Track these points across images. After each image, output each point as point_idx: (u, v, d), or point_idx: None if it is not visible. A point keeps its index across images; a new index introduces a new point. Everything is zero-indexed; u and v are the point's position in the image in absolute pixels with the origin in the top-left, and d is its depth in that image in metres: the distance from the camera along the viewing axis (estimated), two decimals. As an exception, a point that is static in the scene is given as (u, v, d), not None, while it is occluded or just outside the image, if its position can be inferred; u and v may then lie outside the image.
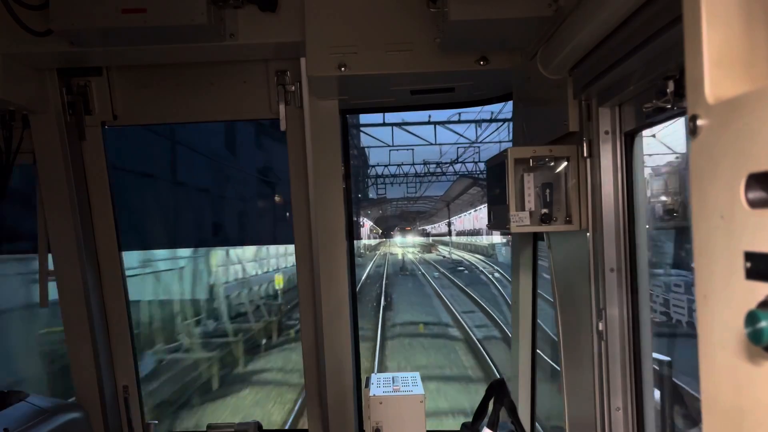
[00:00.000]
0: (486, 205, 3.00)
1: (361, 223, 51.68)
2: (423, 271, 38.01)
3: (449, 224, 58.53)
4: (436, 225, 77.21)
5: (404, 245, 73.00)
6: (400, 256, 53.49)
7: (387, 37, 2.90)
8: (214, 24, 2.75)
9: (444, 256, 50.68)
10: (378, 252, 63.80)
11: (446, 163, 33.26)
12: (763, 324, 0.71)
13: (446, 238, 73.87)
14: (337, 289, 3.47)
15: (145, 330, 11.48)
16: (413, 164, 33.89)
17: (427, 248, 65.78)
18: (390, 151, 29.24)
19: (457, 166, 33.63)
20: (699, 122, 0.84)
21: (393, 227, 77.04)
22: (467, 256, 46.82)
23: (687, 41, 0.86)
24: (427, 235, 78.76)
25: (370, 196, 41.74)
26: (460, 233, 62.50)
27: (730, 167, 0.78)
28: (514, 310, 3.56)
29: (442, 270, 37.15)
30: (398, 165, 33.88)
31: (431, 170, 35.84)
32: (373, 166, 34.70)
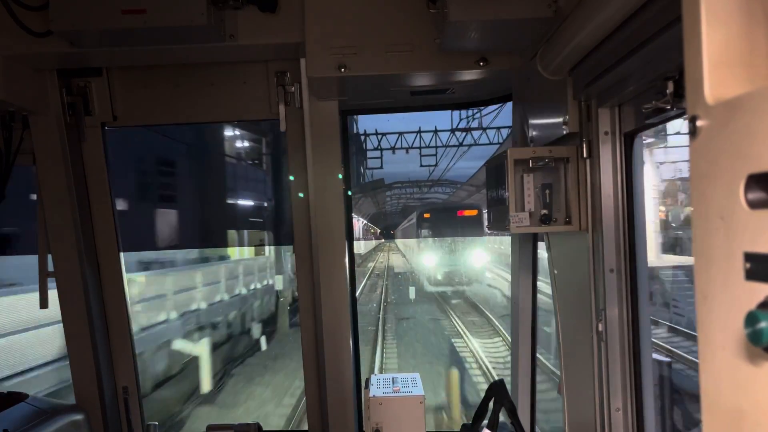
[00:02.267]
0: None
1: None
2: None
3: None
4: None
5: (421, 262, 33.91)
6: (412, 294, 25.78)
7: (387, 38, 2.89)
8: (213, 25, 2.74)
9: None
10: (372, 267, 37.07)
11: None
12: (762, 324, 0.71)
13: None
14: (336, 290, 3.47)
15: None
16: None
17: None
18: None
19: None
20: (699, 123, 0.84)
21: (395, 225, 53.84)
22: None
23: (687, 41, 0.86)
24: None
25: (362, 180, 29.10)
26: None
27: (729, 168, 0.78)
28: (513, 311, 3.56)
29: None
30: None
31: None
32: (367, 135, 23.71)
